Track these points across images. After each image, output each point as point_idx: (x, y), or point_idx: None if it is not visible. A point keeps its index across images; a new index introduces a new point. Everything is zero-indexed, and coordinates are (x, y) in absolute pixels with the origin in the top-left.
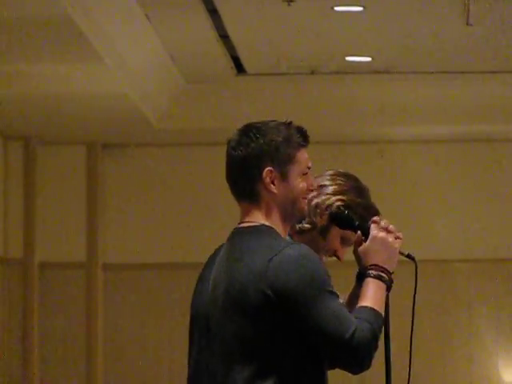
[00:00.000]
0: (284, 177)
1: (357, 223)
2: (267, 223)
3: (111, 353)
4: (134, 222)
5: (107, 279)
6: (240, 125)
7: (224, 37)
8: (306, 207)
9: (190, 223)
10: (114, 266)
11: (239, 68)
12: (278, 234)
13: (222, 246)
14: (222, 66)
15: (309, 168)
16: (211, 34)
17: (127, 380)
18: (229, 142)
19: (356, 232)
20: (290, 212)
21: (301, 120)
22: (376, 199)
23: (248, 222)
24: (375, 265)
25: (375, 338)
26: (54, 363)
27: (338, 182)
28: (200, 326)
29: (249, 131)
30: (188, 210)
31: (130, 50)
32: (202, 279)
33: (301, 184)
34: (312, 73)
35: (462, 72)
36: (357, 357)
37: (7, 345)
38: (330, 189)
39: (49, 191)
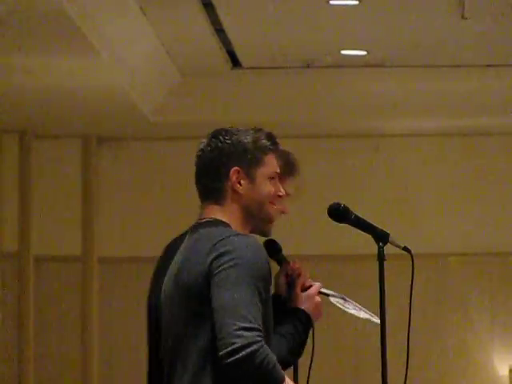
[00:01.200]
0: (251, 178)
1: (280, 257)
2: (224, 220)
3: (106, 346)
4: (129, 215)
5: (103, 273)
6: (235, 118)
7: (219, 30)
8: (272, 212)
9: (186, 216)
10: (110, 259)
11: (234, 62)
12: (230, 227)
13: (174, 241)
14: (217, 60)
15: (276, 173)
16: (206, 28)
17: (123, 373)
18: (198, 146)
19: (279, 263)
20: (255, 214)
21: (295, 113)
22: (371, 193)
23: (205, 218)
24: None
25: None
26: (50, 356)
27: None
28: (152, 318)
29: (218, 134)
30: (183, 204)
31: (125, 43)
32: (158, 272)
33: (268, 188)
34: (307, 66)
35: (458, 66)
36: (234, 364)
37: (2, 339)
38: None
39: (44, 185)
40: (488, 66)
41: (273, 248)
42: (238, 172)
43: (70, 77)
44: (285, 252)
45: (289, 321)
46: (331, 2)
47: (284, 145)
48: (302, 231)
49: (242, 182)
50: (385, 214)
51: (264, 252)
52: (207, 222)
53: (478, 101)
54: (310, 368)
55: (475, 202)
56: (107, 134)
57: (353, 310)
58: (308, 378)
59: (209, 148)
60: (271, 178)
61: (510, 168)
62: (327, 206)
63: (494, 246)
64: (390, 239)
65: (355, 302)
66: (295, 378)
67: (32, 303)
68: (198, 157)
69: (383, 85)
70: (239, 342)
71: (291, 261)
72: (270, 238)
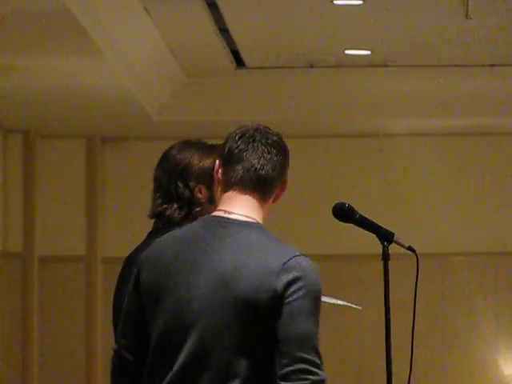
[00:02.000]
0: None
1: None
2: (261, 222)
3: (111, 346)
4: (133, 215)
5: (107, 272)
6: (239, 118)
7: (223, 30)
8: None
9: None
10: (114, 259)
11: (239, 62)
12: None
13: (189, 228)
14: (221, 60)
15: None
16: (211, 28)
17: None
18: (258, 134)
19: None
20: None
21: (299, 113)
22: (376, 192)
23: (241, 215)
24: None
25: None
26: (54, 357)
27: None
28: (179, 314)
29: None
30: None
31: (129, 43)
32: (165, 258)
33: None
34: (311, 66)
35: (462, 65)
36: None
37: (7, 339)
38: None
39: (48, 184)
40: (492, 65)
41: None
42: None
43: (75, 77)
44: None
45: None
46: (335, 2)
47: (288, 144)
48: (306, 231)
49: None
50: (389, 213)
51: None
52: (245, 223)
53: (482, 101)
54: None
55: (480, 201)
56: (111, 134)
57: (328, 299)
58: None
59: (284, 146)
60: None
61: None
62: (331, 205)
63: (498, 246)
64: (394, 239)
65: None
66: None
67: (36, 303)
68: (269, 145)
69: (387, 85)
70: (313, 379)
71: None
72: None
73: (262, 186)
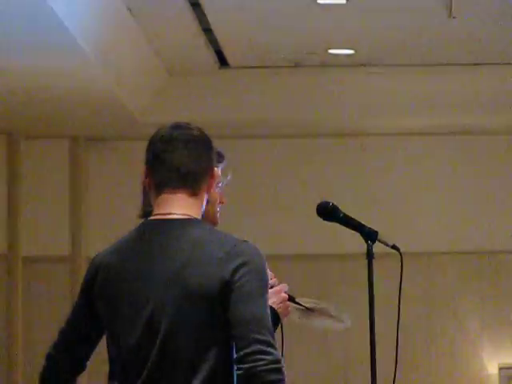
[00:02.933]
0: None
1: None
2: (197, 217)
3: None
4: (117, 215)
5: None
6: (223, 117)
7: (207, 30)
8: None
9: None
10: None
11: (222, 61)
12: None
13: (132, 234)
14: (205, 60)
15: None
16: (194, 28)
17: None
18: (173, 132)
19: None
20: (208, 215)
21: (283, 113)
22: (359, 192)
23: (182, 214)
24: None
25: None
26: (39, 357)
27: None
28: (133, 313)
29: (196, 127)
30: None
31: (112, 43)
32: (114, 267)
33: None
34: (295, 66)
35: (445, 65)
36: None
37: None
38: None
39: (32, 185)
40: (475, 64)
41: None
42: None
43: (58, 77)
44: (274, 251)
45: None
46: (319, 1)
47: (272, 144)
48: (290, 230)
49: (214, 184)
50: (373, 212)
51: None
52: (185, 220)
53: (465, 99)
54: None
55: (464, 200)
56: (95, 135)
57: (313, 321)
58: None
59: (204, 138)
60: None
61: (498, 166)
62: (315, 204)
63: (483, 245)
64: (378, 237)
65: (328, 306)
66: None
67: (21, 303)
68: (186, 141)
69: (371, 84)
70: (268, 360)
71: None
72: None
73: (189, 183)
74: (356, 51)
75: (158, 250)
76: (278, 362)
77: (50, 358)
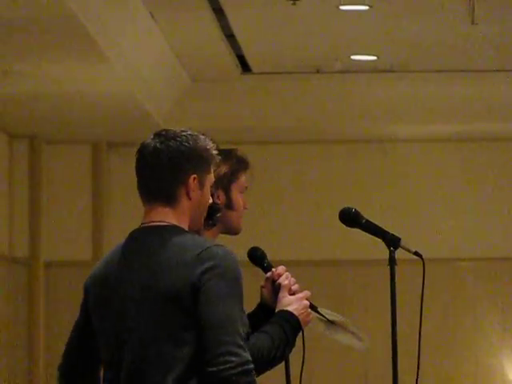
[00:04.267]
0: (201, 186)
1: (265, 264)
2: (177, 224)
3: None
4: (139, 220)
5: None
6: (245, 123)
7: (229, 36)
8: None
9: None
10: None
11: (244, 67)
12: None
13: (120, 244)
14: (227, 65)
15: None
16: (217, 33)
17: None
18: (149, 143)
19: (264, 270)
20: (197, 220)
21: (305, 119)
22: (382, 198)
23: (154, 221)
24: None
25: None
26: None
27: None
28: (111, 324)
29: (174, 135)
30: None
31: (135, 48)
32: (100, 278)
33: (209, 195)
34: (317, 72)
35: (467, 71)
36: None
37: (13, 344)
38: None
39: (54, 190)
40: (498, 70)
41: (257, 255)
42: (195, 179)
43: (81, 83)
44: (295, 257)
45: (275, 320)
46: (342, 8)
47: (294, 150)
48: (312, 236)
49: (195, 189)
50: (395, 218)
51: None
52: (161, 227)
53: (488, 106)
54: (301, 374)
55: (486, 206)
56: (117, 140)
57: (337, 334)
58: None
59: (169, 149)
60: (211, 186)
61: None
62: (338, 210)
63: (504, 251)
64: (401, 244)
65: (349, 322)
66: (287, 381)
67: (43, 308)
68: (152, 155)
69: (393, 90)
70: (236, 362)
71: (275, 267)
72: (253, 246)
73: (160, 196)
74: (378, 57)
75: (135, 256)
76: (245, 363)
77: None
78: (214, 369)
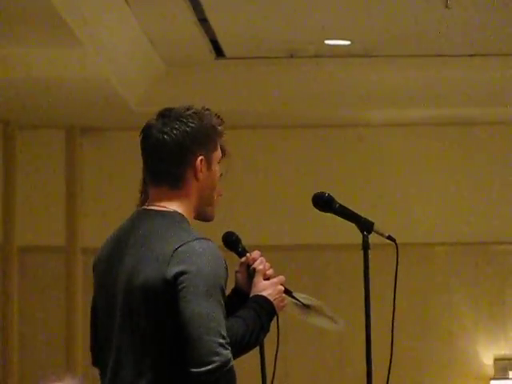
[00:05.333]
0: (209, 165)
1: (240, 249)
2: (179, 210)
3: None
4: (113, 206)
5: (87, 263)
6: (219, 108)
7: (203, 20)
8: (215, 196)
9: None
10: (94, 250)
11: (218, 52)
12: (188, 223)
13: (122, 224)
14: (200, 50)
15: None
16: (190, 18)
17: None
18: (153, 125)
19: (239, 255)
20: (206, 200)
21: (279, 103)
22: (355, 183)
23: (160, 206)
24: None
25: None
26: (34, 348)
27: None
28: (109, 309)
29: (180, 116)
30: None
31: (108, 33)
32: (104, 261)
33: (218, 173)
34: (291, 56)
35: (441, 55)
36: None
37: None
38: None
39: (28, 175)
40: (471, 55)
41: (231, 240)
42: (202, 161)
43: (54, 67)
44: (269, 242)
45: (249, 305)
46: None
47: (266, 134)
48: (285, 221)
49: (203, 169)
50: (369, 203)
51: (221, 254)
52: (162, 212)
53: (461, 91)
54: (275, 359)
55: (460, 191)
56: (91, 125)
57: (313, 318)
58: (274, 371)
59: (173, 131)
60: (218, 163)
61: (494, 158)
62: (311, 195)
63: (478, 236)
64: (374, 228)
65: (324, 306)
66: (262, 366)
67: (16, 294)
68: (157, 137)
69: (367, 75)
70: (218, 361)
71: (250, 251)
72: (228, 231)
73: (166, 179)
74: (352, 42)
75: (128, 242)
76: (227, 362)
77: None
78: (197, 370)
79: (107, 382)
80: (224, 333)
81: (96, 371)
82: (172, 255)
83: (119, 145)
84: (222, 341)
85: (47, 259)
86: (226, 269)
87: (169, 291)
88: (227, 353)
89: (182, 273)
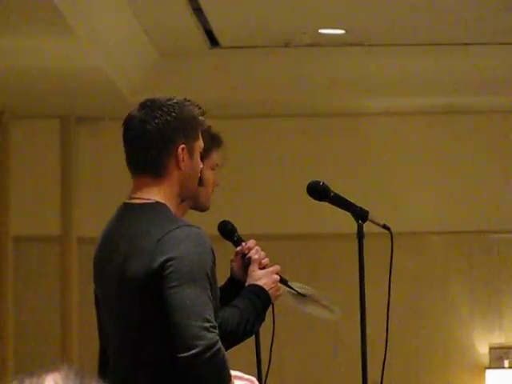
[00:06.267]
0: (190, 154)
1: (235, 238)
2: (161, 200)
3: (86, 326)
4: (107, 195)
5: (82, 253)
6: (214, 97)
7: (197, 10)
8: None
9: None
10: (89, 239)
11: (213, 41)
12: (170, 212)
13: (111, 221)
14: (195, 39)
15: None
16: (184, 7)
17: None
18: (135, 115)
19: (234, 244)
20: (191, 190)
21: (274, 93)
22: (350, 172)
23: (140, 198)
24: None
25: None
26: (29, 338)
27: None
28: (106, 307)
29: (162, 106)
30: None
31: (103, 23)
32: (97, 261)
33: (199, 162)
34: (285, 46)
35: (436, 44)
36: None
37: None
38: None
39: (22, 165)
40: (467, 44)
41: (226, 229)
42: (183, 149)
43: (47, 56)
44: (264, 231)
45: (244, 295)
46: None
47: (262, 124)
48: (280, 210)
49: (184, 158)
50: (364, 192)
51: (207, 240)
52: (144, 205)
53: (456, 79)
54: (271, 348)
55: (455, 180)
56: (85, 114)
57: (308, 307)
58: (269, 359)
59: (155, 120)
60: (200, 153)
61: (487, 146)
62: (306, 184)
63: (473, 225)
64: (369, 217)
65: (320, 295)
66: (257, 354)
67: (11, 283)
68: (138, 127)
69: (362, 64)
70: (202, 345)
71: (245, 241)
72: (223, 220)
73: (148, 168)
74: (347, 31)
75: (115, 235)
76: (212, 345)
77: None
78: (183, 355)
79: (110, 370)
80: (209, 316)
81: (90, 361)
82: (156, 246)
83: (114, 134)
84: (206, 324)
85: (42, 249)
86: (213, 254)
87: (157, 281)
88: (212, 336)
89: (165, 261)
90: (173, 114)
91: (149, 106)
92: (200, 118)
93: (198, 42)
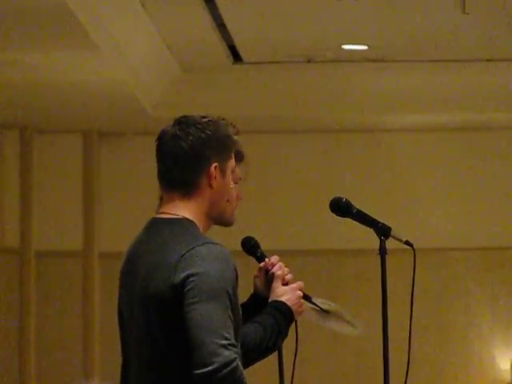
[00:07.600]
0: (223, 173)
1: (258, 254)
2: (189, 216)
3: (108, 341)
4: (129, 210)
5: (104, 268)
6: (236, 113)
7: (220, 25)
8: (232, 202)
9: None
10: (111, 254)
11: (236, 56)
12: (197, 228)
13: (139, 236)
14: (218, 55)
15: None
16: (208, 23)
17: None
18: (168, 131)
19: (257, 260)
20: (220, 208)
21: (296, 108)
22: (373, 188)
23: (169, 213)
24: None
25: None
26: (51, 352)
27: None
28: (129, 320)
29: (196, 123)
30: None
31: (126, 38)
32: (123, 275)
33: (231, 180)
34: (308, 61)
35: (458, 60)
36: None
37: (4, 334)
38: None
39: (45, 180)
40: (488, 60)
41: (250, 245)
42: (216, 168)
43: (71, 72)
44: (287, 247)
45: (268, 311)
46: None
47: (284, 139)
48: (303, 226)
49: (217, 177)
50: (387, 208)
51: (230, 257)
52: (171, 220)
53: (478, 96)
54: (294, 364)
55: (477, 196)
56: (108, 129)
57: (331, 323)
58: (292, 376)
59: (189, 137)
60: (232, 171)
61: (511, 163)
62: (329, 200)
63: (495, 241)
64: (392, 233)
65: (343, 310)
66: (280, 371)
67: (34, 298)
68: (172, 143)
69: (384, 79)
70: (219, 362)
71: (269, 256)
72: (247, 235)
73: (179, 185)
74: (369, 47)
75: (142, 249)
76: (229, 363)
77: None
78: (199, 371)
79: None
80: (227, 334)
81: (112, 375)
82: (179, 261)
83: (136, 149)
84: (223, 342)
85: (64, 263)
86: (236, 272)
87: (178, 297)
88: (229, 353)
89: (187, 276)
90: (207, 131)
91: (184, 122)
92: (234, 137)
93: (220, 57)
